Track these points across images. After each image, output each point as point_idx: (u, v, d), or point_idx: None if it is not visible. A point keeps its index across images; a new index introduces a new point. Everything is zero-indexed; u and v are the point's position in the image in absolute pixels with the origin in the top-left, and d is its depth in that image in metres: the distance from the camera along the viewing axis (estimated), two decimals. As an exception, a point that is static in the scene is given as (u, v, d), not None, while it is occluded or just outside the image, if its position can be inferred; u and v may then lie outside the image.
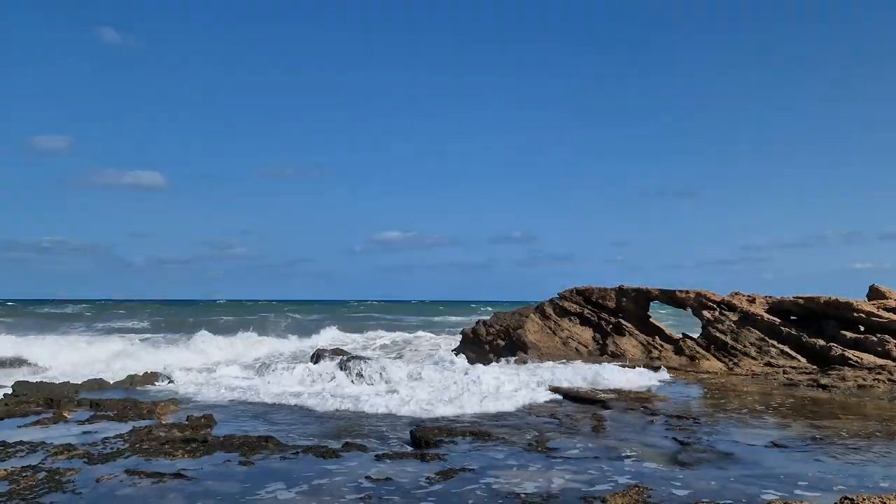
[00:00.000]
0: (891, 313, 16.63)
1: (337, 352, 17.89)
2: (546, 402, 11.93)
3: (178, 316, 52.37)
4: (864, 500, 4.91)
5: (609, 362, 18.74)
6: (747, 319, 18.54)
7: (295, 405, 11.51)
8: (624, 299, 21.20)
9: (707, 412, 10.77)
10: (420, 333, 35.78)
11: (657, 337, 20.50)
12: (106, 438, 8.51)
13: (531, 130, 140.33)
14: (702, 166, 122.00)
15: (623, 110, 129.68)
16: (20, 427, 9.46)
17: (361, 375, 14.84)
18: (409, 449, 8.11)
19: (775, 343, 17.53)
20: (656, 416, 10.30)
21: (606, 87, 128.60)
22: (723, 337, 18.35)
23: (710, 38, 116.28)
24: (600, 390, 13.14)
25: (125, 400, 11.40)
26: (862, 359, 15.49)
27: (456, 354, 23.41)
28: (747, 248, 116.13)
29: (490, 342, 22.41)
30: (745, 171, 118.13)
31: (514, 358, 19.96)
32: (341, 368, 15.41)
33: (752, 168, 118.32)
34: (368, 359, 16.61)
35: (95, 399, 11.51)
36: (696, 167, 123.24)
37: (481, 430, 9.18)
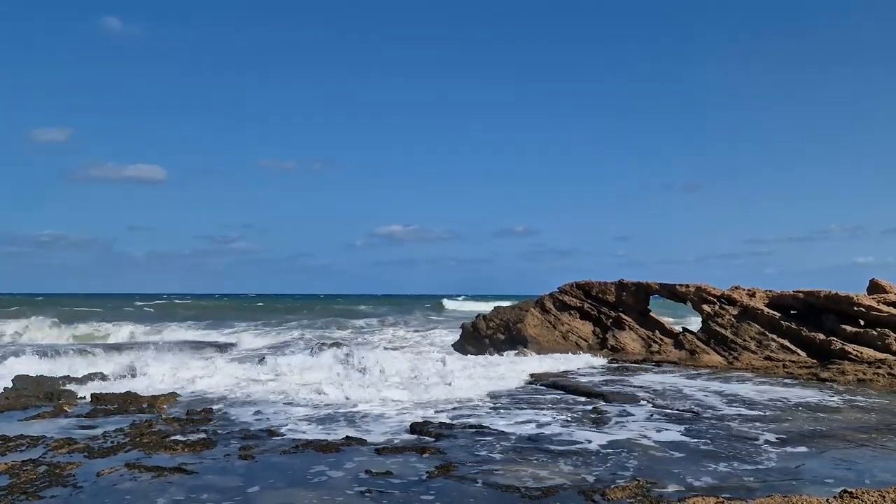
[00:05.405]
0: (891, 307, 16.62)
1: (337, 345, 17.91)
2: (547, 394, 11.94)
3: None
4: (863, 493, 4.92)
5: (609, 356, 18.77)
6: (747, 314, 18.54)
7: (295, 399, 11.51)
8: (624, 294, 21.21)
9: (709, 405, 10.79)
10: (420, 328, 35.83)
11: (657, 331, 20.51)
12: (106, 432, 8.52)
13: (534, 125, 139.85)
14: (707, 160, 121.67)
15: (627, 104, 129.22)
16: (20, 421, 9.47)
17: (362, 369, 14.85)
18: (409, 443, 8.12)
19: (775, 337, 17.53)
20: (657, 410, 10.32)
21: (610, 82, 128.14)
22: (723, 331, 18.36)
23: (716, 34, 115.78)
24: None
25: (125, 394, 11.41)
26: (862, 353, 15.50)
27: (455, 349, 23.47)
28: (750, 243, 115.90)
29: (490, 336, 22.42)
30: (750, 166, 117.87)
31: (514, 352, 20.00)
32: (341, 362, 15.43)
33: (757, 162, 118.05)
34: (368, 352, 16.62)
35: (96, 392, 11.52)
36: (701, 161, 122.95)
37: (481, 423, 9.20)
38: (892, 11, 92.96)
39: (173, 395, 11.64)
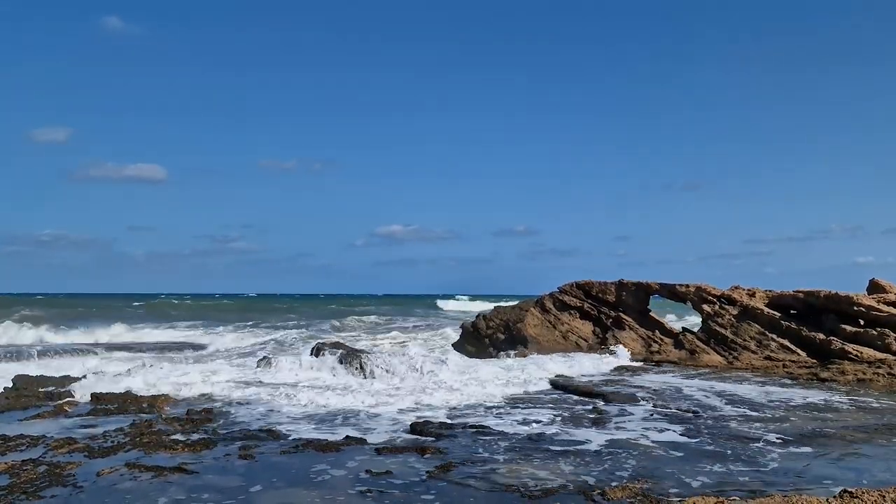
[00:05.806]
0: (891, 307, 16.62)
1: (337, 345, 17.89)
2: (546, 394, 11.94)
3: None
4: (863, 493, 4.92)
5: (609, 356, 18.76)
6: (747, 313, 18.55)
7: (295, 399, 11.50)
8: (624, 293, 21.20)
9: (709, 406, 10.79)
10: (420, 328, 35.83)
11: (657, 331, 20.51)
12: (106, 432, 8.52)
13: (534, 125, 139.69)
14: (707, 160, 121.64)
15: (627, 104, 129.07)
16: (21, 420, 9.47)
17: (362, 369, 14.84)
18: (410, 443, 8.11)
19: (775, 337, 17.54)
20: (657, 410, 10.32)
21: (610, 82, 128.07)
22: (723, 331, 18.36)
23: (716, 34, 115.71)
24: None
25: (125, 393, 11.41)
26: (861, 353, 15.50)
27: (455, 349, 23.48)
28: (751, 242, 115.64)
29: (490, 336, 22.42)
30: (750, 166, 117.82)
31: (514, 351, 20.00)
32: (342, 362, 15.42)
33: (757, 162, 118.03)
34: (368, 353, 16.61)
35: (96, 392, 11.52)
36: (701, 161, 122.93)
37: (481, 423, 9.20)
38: (892, 11, 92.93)
39: (173, 395, 11.63)
